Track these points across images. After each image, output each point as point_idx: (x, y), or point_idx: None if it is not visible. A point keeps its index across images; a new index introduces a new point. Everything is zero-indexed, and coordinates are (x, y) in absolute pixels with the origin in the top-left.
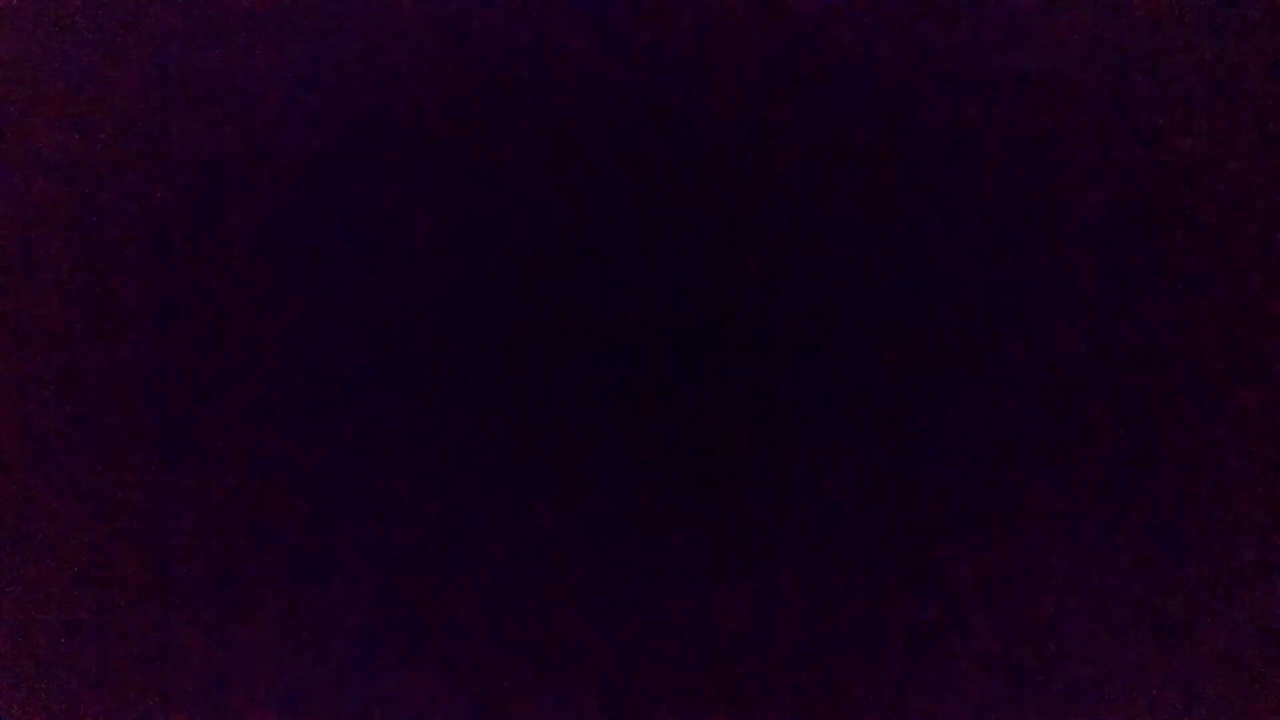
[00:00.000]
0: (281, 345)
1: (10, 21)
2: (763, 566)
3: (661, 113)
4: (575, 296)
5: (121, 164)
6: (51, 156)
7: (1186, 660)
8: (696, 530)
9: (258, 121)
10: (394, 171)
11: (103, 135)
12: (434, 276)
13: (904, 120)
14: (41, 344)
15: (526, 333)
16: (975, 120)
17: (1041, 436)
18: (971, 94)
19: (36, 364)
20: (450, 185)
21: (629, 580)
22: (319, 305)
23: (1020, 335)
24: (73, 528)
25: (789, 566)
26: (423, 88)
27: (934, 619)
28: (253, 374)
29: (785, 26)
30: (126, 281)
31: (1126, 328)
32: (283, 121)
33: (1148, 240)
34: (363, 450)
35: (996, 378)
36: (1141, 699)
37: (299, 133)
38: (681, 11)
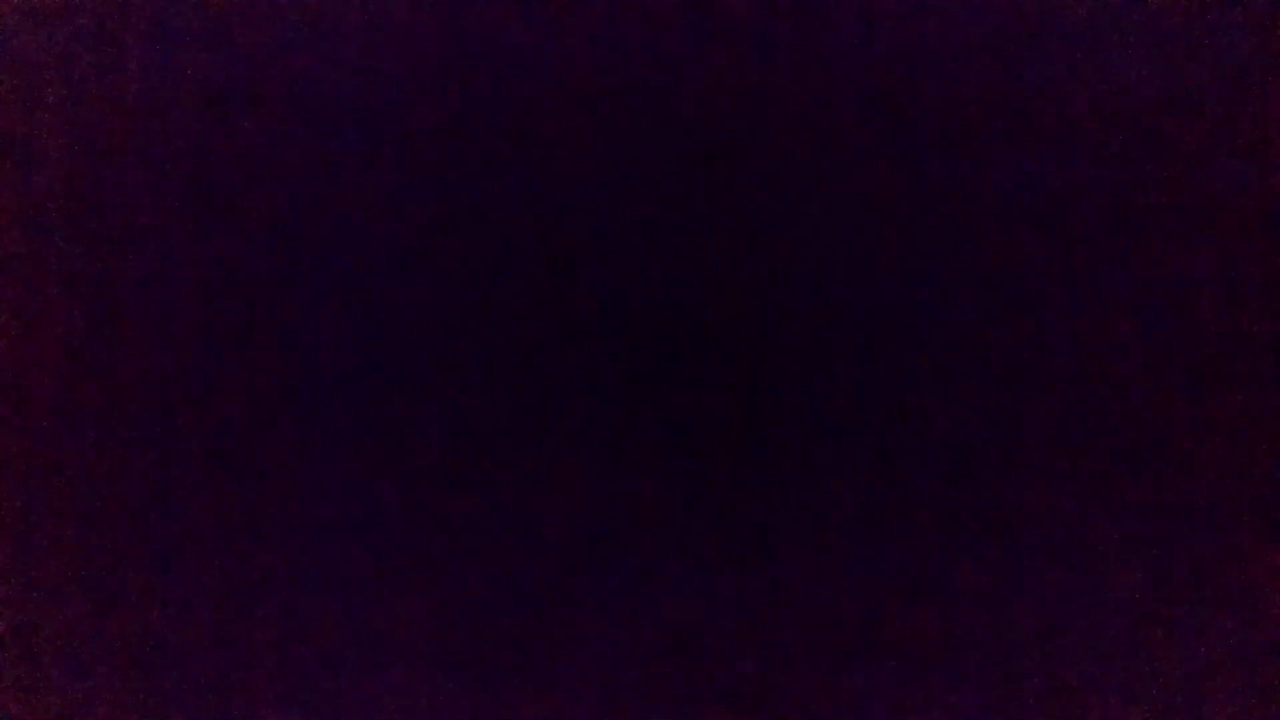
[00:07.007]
0: (282, 345)
1: (10, 21)
2: (762, 568)
3: (660, 112)
4: (572, 295)
5: (121, 164)
6: (51, 156)
7: (1187, 660)
8: (695, 532)
9: (258, 122)
10: (393, 172)
11: (103, 135)
12: (435, 277)
13: (904, 120)
14: (41, 344)
15: (524, 333)
16: (974, 120)
17: (1041, 437)
18: (971, 94)
19: (36, 364)
20: (451, 185)
21: (628, 581)
22: (319, 305)
23: (1020, 335)
24: (73, 528)
25: (788, 568)
26: (421, 88)
27: (933, 620)
28: (253, 374)
29: (785, 26)
30: (127, 281)
31: (1126, 328)
32: (283, 122)
33: (1148, 240)
34: (362, 450)
35: (996, 378)
36: (1142, 699)
37: (299, 133)
38: (681, 10)
